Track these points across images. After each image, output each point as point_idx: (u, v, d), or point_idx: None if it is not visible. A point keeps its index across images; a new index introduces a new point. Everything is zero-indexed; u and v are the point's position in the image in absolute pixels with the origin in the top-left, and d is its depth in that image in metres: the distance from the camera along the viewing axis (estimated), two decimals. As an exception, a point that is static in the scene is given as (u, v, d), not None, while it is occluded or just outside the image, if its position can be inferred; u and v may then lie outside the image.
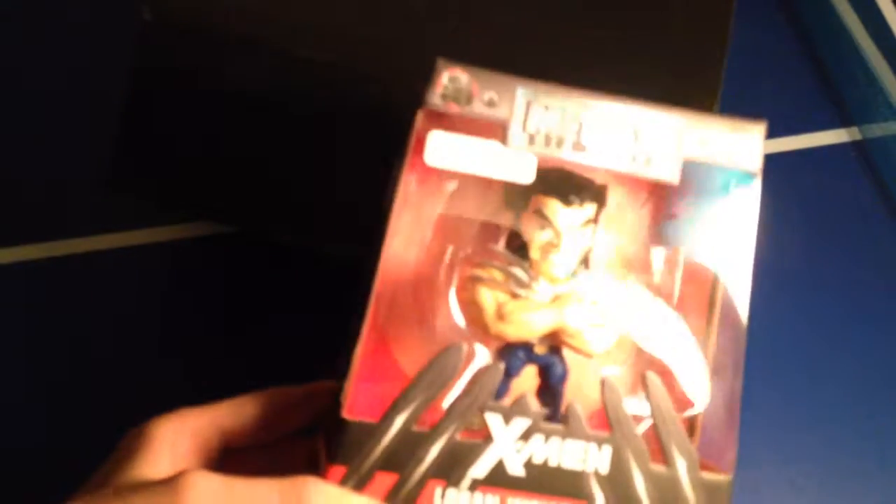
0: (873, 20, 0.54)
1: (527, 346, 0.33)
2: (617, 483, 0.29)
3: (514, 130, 0.29)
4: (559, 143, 0.29)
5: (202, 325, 0.48)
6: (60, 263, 0.49)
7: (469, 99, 0.29)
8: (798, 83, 0.58)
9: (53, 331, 0.48)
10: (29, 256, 0.50)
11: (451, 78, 0.29)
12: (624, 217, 0.35)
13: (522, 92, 0.29)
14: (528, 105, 0.30)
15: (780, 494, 0.46)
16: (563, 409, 0.33)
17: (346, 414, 0.29)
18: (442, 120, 0.30)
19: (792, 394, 0.49)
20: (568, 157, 0.30)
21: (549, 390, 0.33)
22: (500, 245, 0.34)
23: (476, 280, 0.33)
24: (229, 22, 0.42)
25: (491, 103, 0.29)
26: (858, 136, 0.56)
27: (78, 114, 0.52)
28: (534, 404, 0.30)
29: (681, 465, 0.30)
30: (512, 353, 0.33)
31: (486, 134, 0.29)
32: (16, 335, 0.48)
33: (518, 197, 0.33)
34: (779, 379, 0.49)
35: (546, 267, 0.32)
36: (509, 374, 0.33)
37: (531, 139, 0.29)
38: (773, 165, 0.55)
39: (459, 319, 0.33)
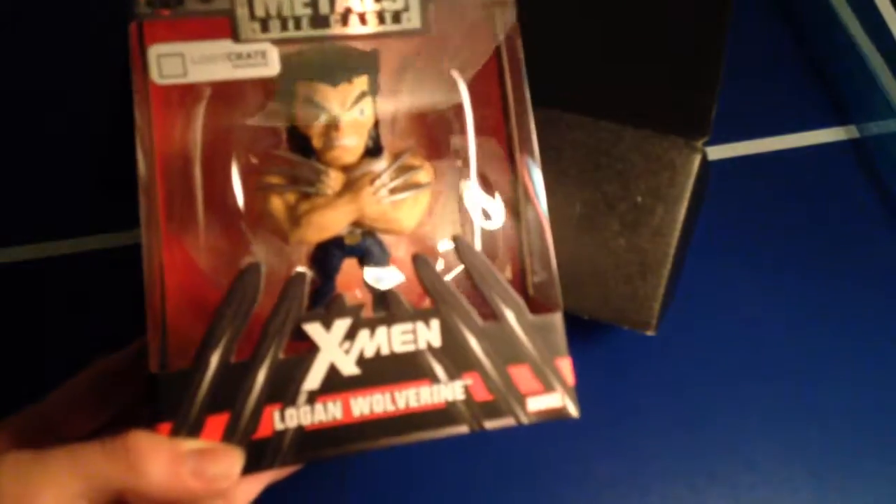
0: (871, 19, 0.52)
1: (338, 241, 0.31)
2: (452, 351, 0.29)
3: (242, 21, 0.26)
4: (297, 23, 0.27)
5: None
6: (60, 263, 0.49)
7: (179, -2, 0.26)
8: (796, 82, 0.56)
9: (53, 331, 0.48)
10: (29, 256, 0.49)
11: (150, -21, 0.26)
12: (403, 79, 0.33)
13: (238, -25, 0.26)
14: (249, -12, 0.26)
15: (780, 493, 0.47)
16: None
17: (153, 368, 0.27)
18: (157, 30, 0.26)
19: (791, 392, 0.49)
20: (311, 34, 0.27)
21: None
22: (283, 144, 0.32)
23: (263, 189, 0.30)
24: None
25: (206, -3, 0.26)
26: (856, 135, 0.55)
27: (78, 114, 0.51)
28: (350, 300, 0.29)
29: (509, 315, 0.29)
30: (325, 252, 0.31)
31: (213, 33, 0.26)
32: (15, 335, 0.48)
33: (284, 88, 0.30)
34: (778, 377, 0.49)
35: (333, 155, 0.30)
36: (329, 274, 0.32)
37: (264, 26, 0.26)
38: (771, 163, 0.54)
39: (257, 235, 0.31)
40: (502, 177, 0.33)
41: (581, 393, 0.47)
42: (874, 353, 0.50)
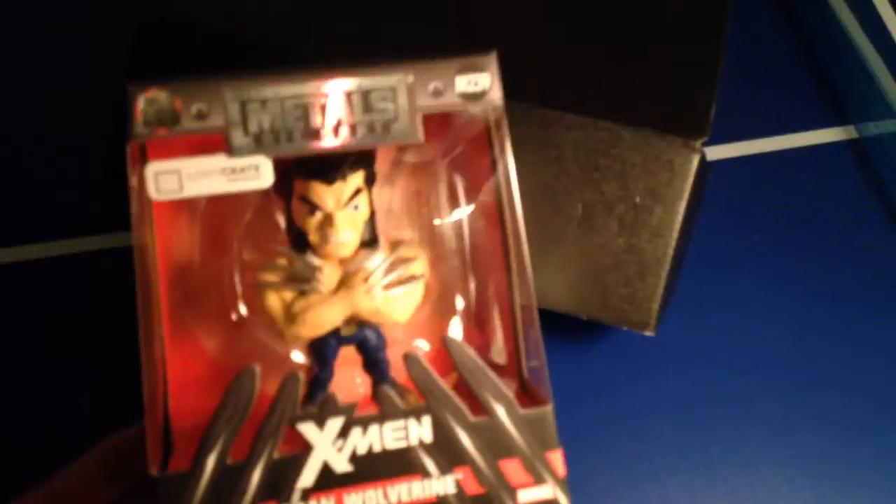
0: (870, 19, 0.51)
1: (334, 332, 0.32)
2: (444, 446, 0.30)
3: (236, 137, 0.27)
4: (289, 137, 0.27)
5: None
6: (60, 263, 0.49)
7: (176, 118, 0.26)
8: (795, 82, 0.56)
9: (54, 331, 0.48)
10: (29, 256, 0.49)
11: (148, 101, 0.26)
12: (399, 170, 0.34)
13: (232, 94, 0.27)
14: (243, 106, 0.27)
15: (779, 494, 0.46)
16: (391, 373, 0.33)
17: (154, 471, 0.28)
18: (154, 149, 0.27)
19: (791, 393, 0.48)
20: (303, 147, 0.28)
21: (371, 362, 0.33)
22: (282, 238, 0.32)
23: (260, 286, 0.31)
24: (227, 23, 0.40)
25: (201, 115, 0.27)
26: (855, 135, 0.54)
27: (78, 114, 0.51)
28: (344, 396, 0.30)
29: (500, 411, 0.30)
30: (322, 343, 0.32)
31: (208, 149, 0.27)
32: (16, 336, 0.48)
33: (281, 184, 0.31)
34: (777, 378, 0.49)
35: (328, 250, 0.31)
36: (326, 361, 0.32)
37: (257, 141, 0.27)
38: (770, 163, 0.54)
39: (258, 330, 0.32)
40: (496, 262, 0.34)
41: (579, 393, 0.47)
42: (874, 353, 0.50)
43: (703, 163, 0.42)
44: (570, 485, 0.41)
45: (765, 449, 0.47)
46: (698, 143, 0.41)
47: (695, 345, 0.49)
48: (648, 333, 0.41)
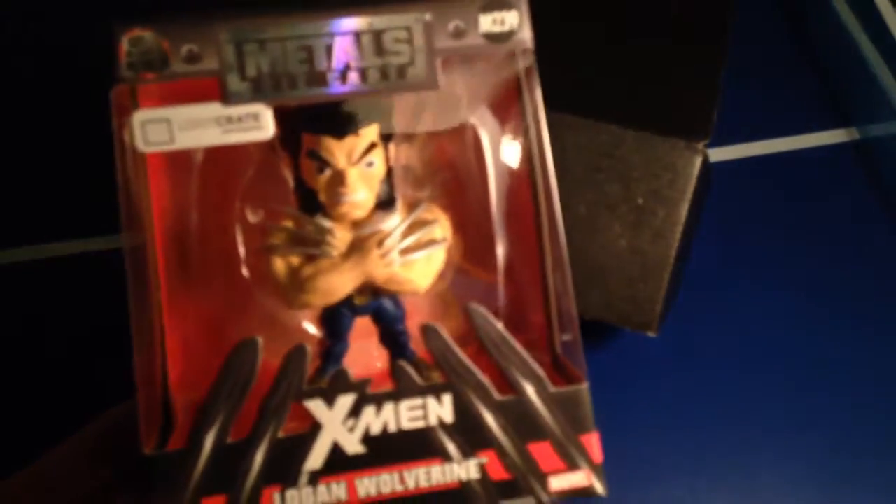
0: (872, 21, 0.51)
1: (347, 301, 0.29)
2: (466, 427, 0.27)
3: (232, 82, 0.24)
4: (291, 83, 0.24)
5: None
6: (61, 264, 0.49)
7: (165, 60, 0.24)
8: (798, 83, 0.56)
9: (54, 332, 0.48)
10: (30, 257, 0.49)
11: (132, 41, 0.24)
12: (419, 123, 0.30)
13: (226, 34, 0.24)
14: (239, 47, 0.24)
15: (781, 496, 0.46)
16: (411, 346, 0.30)
17: (148, 448, 0.26)
18: (142, 94, 0.24)
19: (792, 393, 0.48)
20: (307, 94, 0.25)
21: (389, 334, 0.30)
22: (290, 196, 0.30)
23: (266, 250, 0.29)
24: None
25: (192, 58, 0.24)
26: (858, 137, 0.54)
27: (78, 114, 0.50)
28: (360, 370, 0.27)
29: (529, 389, 0.27)
30: (335, 313, 0.30)
31: (201, 95, 0.24)
32: (16, 336, 0.48)
33: (288, 138, 0.28)
34: (779, 378, 0.48)
35: (340, 211, 0.28)
36: (340, 334, 0.30)
37: (256, 86, 0.24)
38: (773, 164, 0.53)
39: (263, 299, 0.29)
40: (526, 226, 0.30)
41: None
42: (876, 354, 0.49)
43: (706, 164, 0.41)
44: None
45: (766, 449, 0.47)
46: (701, 145, 0.40)
47: (697, 346, 0.49)
48: (651, 334, 0.41)
